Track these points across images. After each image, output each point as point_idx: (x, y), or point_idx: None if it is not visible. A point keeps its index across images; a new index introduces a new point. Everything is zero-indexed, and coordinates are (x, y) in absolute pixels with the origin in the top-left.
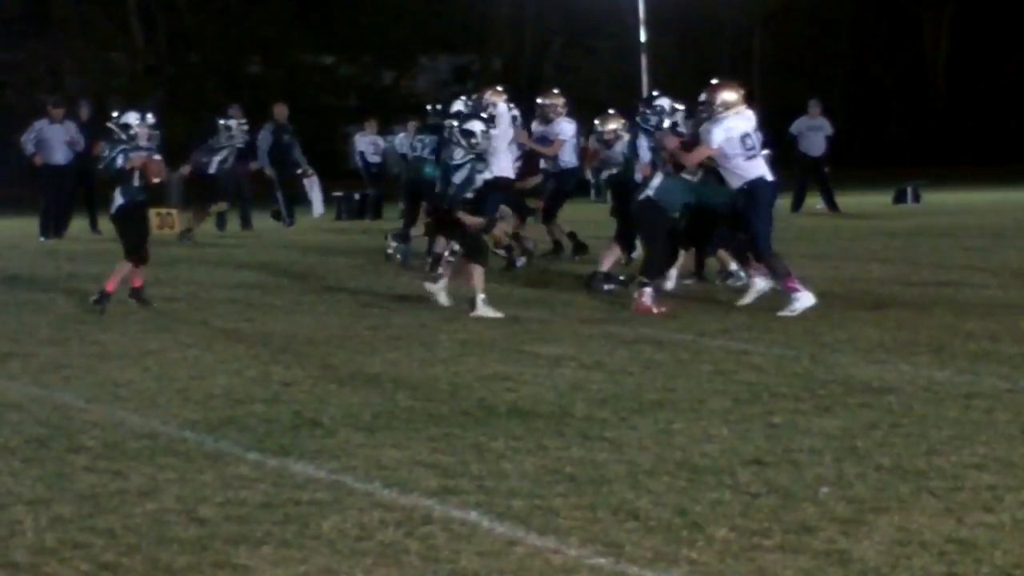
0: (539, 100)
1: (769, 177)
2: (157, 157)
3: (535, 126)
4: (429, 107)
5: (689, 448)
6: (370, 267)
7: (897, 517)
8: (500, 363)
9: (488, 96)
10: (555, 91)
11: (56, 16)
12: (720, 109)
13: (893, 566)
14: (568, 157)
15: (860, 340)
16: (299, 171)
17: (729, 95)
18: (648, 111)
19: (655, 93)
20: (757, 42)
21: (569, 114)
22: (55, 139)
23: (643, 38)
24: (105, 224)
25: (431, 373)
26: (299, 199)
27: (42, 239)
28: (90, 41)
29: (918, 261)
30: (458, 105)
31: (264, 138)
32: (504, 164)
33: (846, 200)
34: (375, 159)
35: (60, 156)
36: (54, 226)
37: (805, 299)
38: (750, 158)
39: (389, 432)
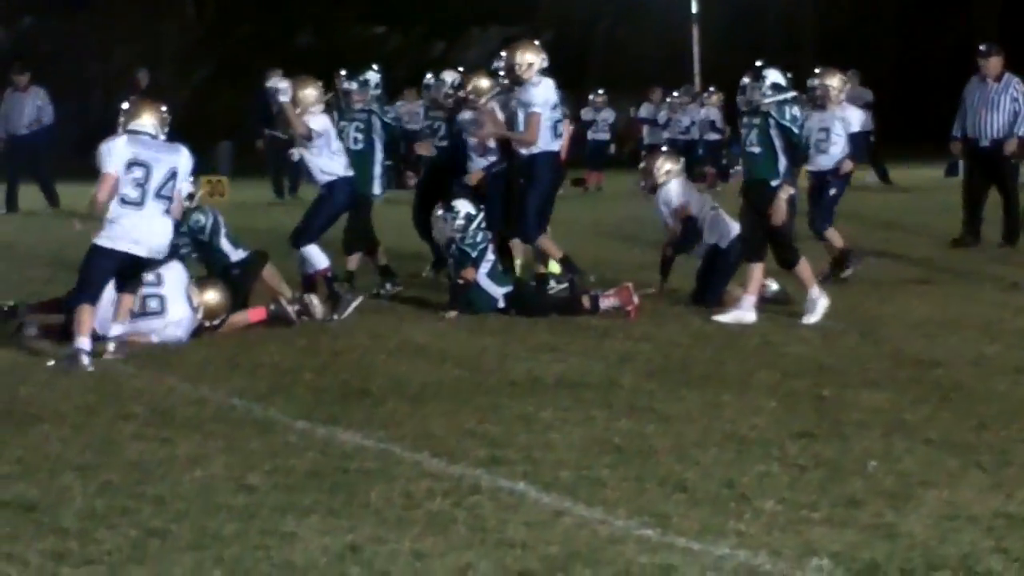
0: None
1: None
2: None
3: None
4: (430, 75)
5: (737, 421)
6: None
7: (945, 491)
8: (548, 334)
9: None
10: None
11: None
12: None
13: (941, 540)
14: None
15: (908, 315)
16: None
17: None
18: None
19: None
20: (808, 16)
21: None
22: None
23: (694, 9)
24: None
25: (479, 344)
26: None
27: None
28: (140, 12)
29: None
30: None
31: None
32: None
33: (895, 174)
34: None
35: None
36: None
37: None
38: None
39: (437, 402)
